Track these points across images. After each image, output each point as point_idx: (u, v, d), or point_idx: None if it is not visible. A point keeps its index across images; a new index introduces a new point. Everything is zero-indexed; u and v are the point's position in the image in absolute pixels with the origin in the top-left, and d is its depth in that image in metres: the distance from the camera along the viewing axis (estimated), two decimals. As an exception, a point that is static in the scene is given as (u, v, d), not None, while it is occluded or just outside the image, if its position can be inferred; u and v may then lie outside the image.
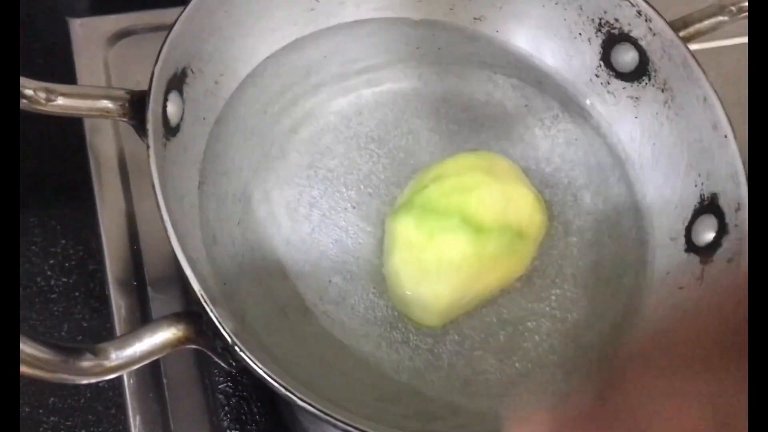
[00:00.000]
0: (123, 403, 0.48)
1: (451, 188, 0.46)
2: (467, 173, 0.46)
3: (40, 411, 0.68)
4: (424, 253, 0.45)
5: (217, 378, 0.48)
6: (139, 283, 0.52)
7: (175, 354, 0.49)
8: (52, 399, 0.69)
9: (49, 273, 0.75)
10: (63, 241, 0.75)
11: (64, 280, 0.74)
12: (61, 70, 0.47)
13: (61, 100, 0.40)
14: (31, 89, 0.40)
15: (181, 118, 0.45)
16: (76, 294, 0.74)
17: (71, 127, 0.60)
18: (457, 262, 0.44)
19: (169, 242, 0.37)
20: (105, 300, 0.59)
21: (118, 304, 0.51)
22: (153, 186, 0.38)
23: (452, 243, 0.44)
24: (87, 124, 0.58)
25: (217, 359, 0.39)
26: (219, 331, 0.36)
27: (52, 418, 0.69)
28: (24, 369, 0.32)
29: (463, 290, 0.45)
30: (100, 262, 0.65)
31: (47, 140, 0.77)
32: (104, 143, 0.58)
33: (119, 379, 0.51)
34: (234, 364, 0.39)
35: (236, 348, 0.35)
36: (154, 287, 0.52)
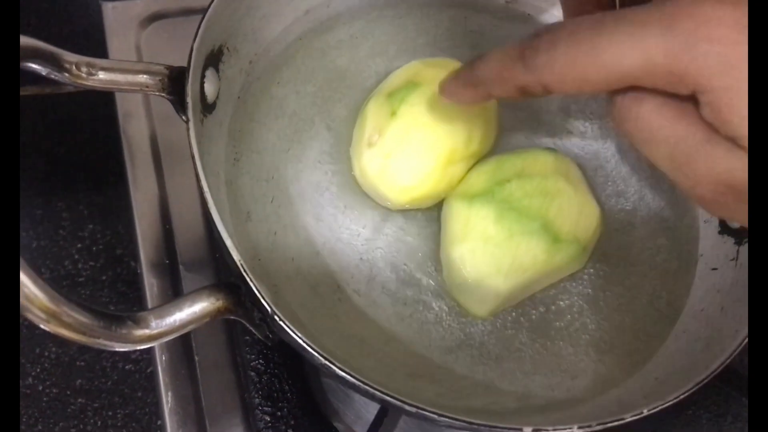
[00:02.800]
0: (155, 379, 0.48)
1: (535, 190, 0.46)
2: (551, 177, 0.46)
3: (68, 392, 0.69)
4: (499, 249, 0.44)
5: (248, 355, 0.48)
6: (171, 262, 0.52)
7: (207, 332, 0.50)
8: (80, 381, 0.70)
9: (76, 257, 0.75)
10: (91, 226, 0.76)
11: (92, 264, 0.74)
12: (93, 53, 0.48)
13: (102, 74, 0.41)
14: (72, 63, 0.40)
15: (217, 96, 0.46)
16: (104, 278, 0.74)
17: (102, 113, 0.61)
18: (528, 265, 0.44)
19: (205, 218, 0.38)
20: (132, 284, 0.59)
21: (150, 282, 0.51)
22: (193, 158, 0.38)
23: (529, 247, 0.44)
24: (120, 109, 0.59)
25: (254, 331, 0.39)
26: (258, 301, 0.36)
27: (79, 400, 0.69)
28: (66, 332, 0.33)
29: (523, 292, 0.46)
30: (128, 246, 0.65)
31: (76, 126, 0.78)
32: (137, 128, 0.58)
33: (152, 356, 0.52)
34: (270, 336, 0.39)
35: (276, 317, 0.36)
36: (186, 266, 0.52)
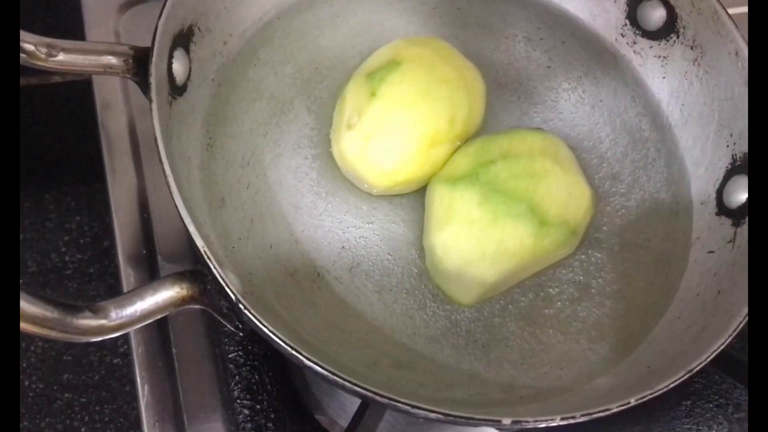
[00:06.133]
0: (132, 372, 0.47)
1: (521, 171, 0.43)
2: (538, 157, 0.44)
3: (54, 387, 0.68)
4: (484, 233, 0.42)
5: (227, 347, 0.47)
6: (149, 252, 0.51)
7: (185, 323, 0.48)
8: (66, 376, 0.69)
9: (63, 249, 0.74)
10: (78, 218, 0.74)
11: (79, 256, 0.73)
12: (71, 38, 0.46)
13: (62, 56, 0.39)
14: (31, 44, 0.38)
15: (188, 78, 0.44)
16: (91, 271, 0.73)
17: (85, 104, 0.60)
18: (514, 250, 0.42)
19: (174, 202, 0.36)
20: (120, 277, 0.58)
21: (127, 272, 0.50)
22: (155, 139, 0.37)
23: (515, 230, 0.42)
24: (98, 100, 0.57)
25: (222, 320, 0.37)
26: (224, 289, 0.34)
27: (66, 395, 0.68)
28: (22, 325, 0.31)
29: (509, 279, 0.44)
30: (115, 238, 0.64)
31: (63, 118, 0.77)
32: (115, 118, 0.57)
33: (129, 348, 0.50)
34: (240, 326, 0.38)
35: (240, 306, 0.34)
36: (165, 257, 0.51)
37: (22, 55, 0.38)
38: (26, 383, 0.69)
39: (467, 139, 0.47)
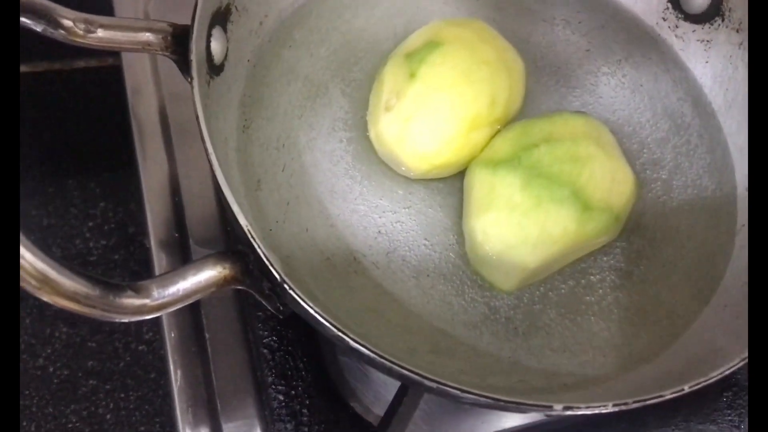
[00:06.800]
0: (164, 358, 0.46)
1: (565, 155, 0.42)
2: (581, 141, 0.43)
3: (79, 374, 0.67)
4: (526, 218, 0.41)
5: (261, 332, 0.46)
6: (181, 237, 0.50)
7: (218, 308, 0.48)
8: (91, 362, 0.68)
9: (87, 235, 0.73)
10: (102, 204, 0.74)
11: (103, 242, 0.73)
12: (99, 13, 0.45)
13: (101, 32, 0.38)
14: (70, 20, 0.38)
15: (225, 57, 0.43)
16: (116, 257, 0.72)
17: (112, 89, 0.59)
18: (557, 236, 0.41)
19: (216, 190, 0.35)
20: (145, 263, 0.57)
21: (160, 257, 0.49)
22: (197, 119, 0.36)
23: (559, 215, 0.41)
24: (128, 84, 0.57)
25: (264, 302, 0.36)
26: (267, 269, 0.34)
27: (91, 381, 0.67)
28: (62, 302, 0.30)
29: (551, 265, 0.43)
30: (141, 225, 0.63)
31: (87, 103, 0.76)
32: (146, 103, 0.56)
33: (155, 335, 0.49)
34: (281, 308, 0.37)
35: (285, 286, 0.33)
36: (197, 241, 0.50)
37: (60, 31, 0.37)
38: (51, 369, 0.69)
39: (507, 123, 0.46)
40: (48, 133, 0.79)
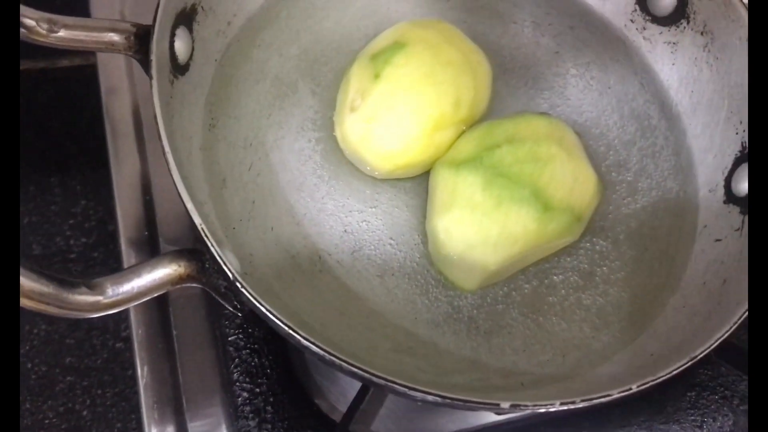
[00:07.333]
0: (131, 353, 0.46)
1: (526, 156, 0.43)
2: (543, 142, 0.43)
3: (57, 370, 0.67)
4: (487, 218, 0.42)
5: (227, 330, 0.46)
6: (150, 234, 0.50)
7: (186, 305, 0.48)
8: (69, 359, 0.68)
9: (68, 233, 0.74)
10: (83, 202, 0.74)
11: (84, 240, 0.73)
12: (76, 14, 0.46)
13: (63, 32, 0.39)
14: (32, 19, 0.38)
15: (191, 57, 0.43)
16: (95, 255, 0.73)
17: (91, 88, 0.59)
18: (518, 235, 0.42)
19: (172, 180, 0.35)
20: (121, 258, 0.57)
21: (129, 253, 0.49)
22: (155, 117, 0.36)
23: (519, 215, 0.42)
24: (102, 84, 0.57)
25: (221, 300, 0.37)
26: (222, 268, 0.34)
27: (68, 378, 0.68)
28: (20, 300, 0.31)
29: (513, 265, 0.43)
30: (117, 220, 0.63)
31: (70, 102, 0.77)
32: (119, 102, 0.57)
33: (130, 332, 0.50)
34: (239, 306, 0.37)
35: (238, 285, 0.33)
36: (166, 239, 0.50)
37: (22, 30, 0.37)
38: (29, 365, 0.69)
39: (472, 124, 0.47)
40: (30, 130, 0.79)
